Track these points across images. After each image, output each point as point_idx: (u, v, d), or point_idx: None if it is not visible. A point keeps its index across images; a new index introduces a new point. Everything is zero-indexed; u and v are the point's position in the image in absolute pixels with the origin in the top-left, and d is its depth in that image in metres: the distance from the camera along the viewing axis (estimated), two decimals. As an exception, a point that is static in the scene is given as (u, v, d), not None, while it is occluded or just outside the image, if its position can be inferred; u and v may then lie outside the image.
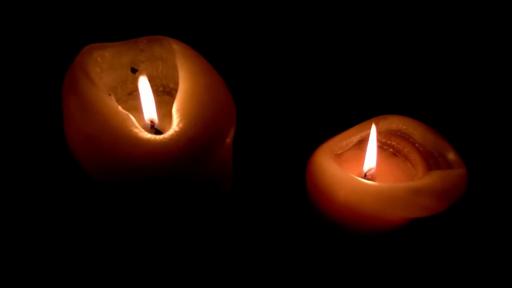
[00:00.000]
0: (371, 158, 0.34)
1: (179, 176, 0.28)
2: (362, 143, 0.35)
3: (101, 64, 0.32)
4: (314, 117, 0.44)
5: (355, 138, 0.35)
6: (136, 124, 0.28)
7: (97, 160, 0.28)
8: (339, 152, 0.35)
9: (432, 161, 0.34)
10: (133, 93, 0.34)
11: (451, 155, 0.33)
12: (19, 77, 0.44)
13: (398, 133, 0.36)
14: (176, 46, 0.31)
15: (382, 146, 0.36)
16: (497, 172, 0.41)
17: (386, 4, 0.49)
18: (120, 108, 0.28)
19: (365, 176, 0.34)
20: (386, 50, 0.49)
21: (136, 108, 0.33)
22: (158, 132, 0.33)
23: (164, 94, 0.35)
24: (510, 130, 0.44)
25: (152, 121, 0.32)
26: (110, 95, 0.32)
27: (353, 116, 0.37)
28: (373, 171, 0.34)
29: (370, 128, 0.34)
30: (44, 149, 0.39)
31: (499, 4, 0.48)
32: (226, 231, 0.36)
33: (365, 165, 0.34)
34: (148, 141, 0.27)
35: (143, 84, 0.32)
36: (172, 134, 0.27)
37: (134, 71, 0.34)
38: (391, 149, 0.36)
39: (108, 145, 0.27)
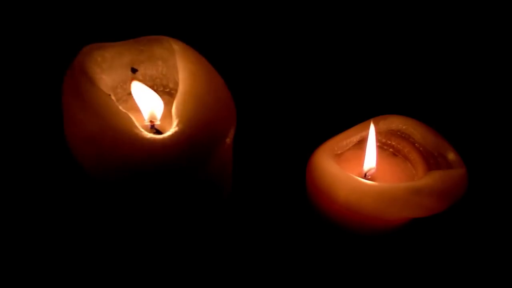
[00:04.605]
0: (370, 158, 0.34)
1: (179, 176, 0.28)
2: (362, 143, 0.35)
3: (101, 64, 0.32)
4: (314, 117, 0.44)
5: (355, 138, 0.35)
6: (136, 124, 0.28)
7: (97, 160, 0.28)
8: (339, 152, 0.35)
9: (432, 161, 0.34)
10: (133, 93, 0.34)
11: (451, 155, 0.33)
12: (19, 77, 0.44)
13: (398, 133, 0.36)
14: (176, 46, 0.31)
15: (382, 146, 0.36)
16: (497, 172, 0.41)
17: (386, 4, 0.49)
18: (120, 108, 0.28)
19: (365, 176, 0.34)
20: (386, 50, 0.49)
21: (136, 108, 0.33)
22: (158, 132, 0.33)
23: (164, 94, 0.35)
24: (510, 130, 0.44)
25: (152, 121, 0.32)
26: (110, 95, 0.33)
27: (353, 116, 0.37)
28: (373, 171, 0.34)
29: (370, 128, 0.34)
30: (44, 149, 0.39)
31: (499, 4, 0.48)
32: (226, 231, 0.36)
33: (365, 165, 0.34)
34: (148, 141, 0.27)
35: (140, 87, 0.32)
36: (172, 134, 0.27)
37: (134, 71, 0.34)
38: (391, 149, 0.36)
39: (108, 145, 0.27)
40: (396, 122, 0.35)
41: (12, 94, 0.43)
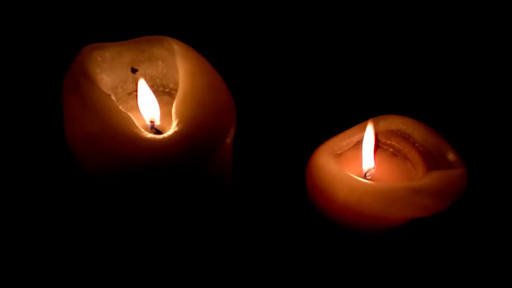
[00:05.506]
0: (368, 158, 0.34)
1: (179, 176, 0.28)
2: (362, 143, 0.35)
3: (101, 64, 0.32)
4: (314, 117, 0.44)
5: (355, 138, 0.35)
6: (136, 124, 0.28)
7: (97, 160, 0.28)
8: (339, 152, 0.35)
9: (432, 161, 0.34)
10: (133, 93, 0.34)
11: (451, 155, 0.33)
12: (19, 77, 0.44)
13: (398, 133, 0.36)
14: (176, 46, 0.31)
15: (382, 146, 0.36)
16: (497, 172, 0.41)
17: (386, 4, 0.49)
18: (120, 108, 0.28)
19: (365, 176, 0.34)
20: (385, 50, 0.49)
21: (136, 108, 0.33)
22: (158, 132, 0.33)
23: (164, 94, 0.35)
24: (510, 130, 0.44)
25: (152, 121, 0.32)
26: (110, 95, 0.33)
27: (353, 116, 0.37)
28: (373, 171, 0.34)
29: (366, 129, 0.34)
30: (44, 149, 0.39)
31: (499, 4, 0.48)
32: (226, 231, 0.36)
33: (363, 165, 0.34)
34: (148, 141, 0.27)
35: (143, 86, 0.32)
36: (172, 134, 0.27)
37: (134, 71, 0.34)
38: (391, 149, 0.36)
39: (108, 145, 0.27)
40: (396, 122, 0.35)
41: (12, 94, 0.43)
